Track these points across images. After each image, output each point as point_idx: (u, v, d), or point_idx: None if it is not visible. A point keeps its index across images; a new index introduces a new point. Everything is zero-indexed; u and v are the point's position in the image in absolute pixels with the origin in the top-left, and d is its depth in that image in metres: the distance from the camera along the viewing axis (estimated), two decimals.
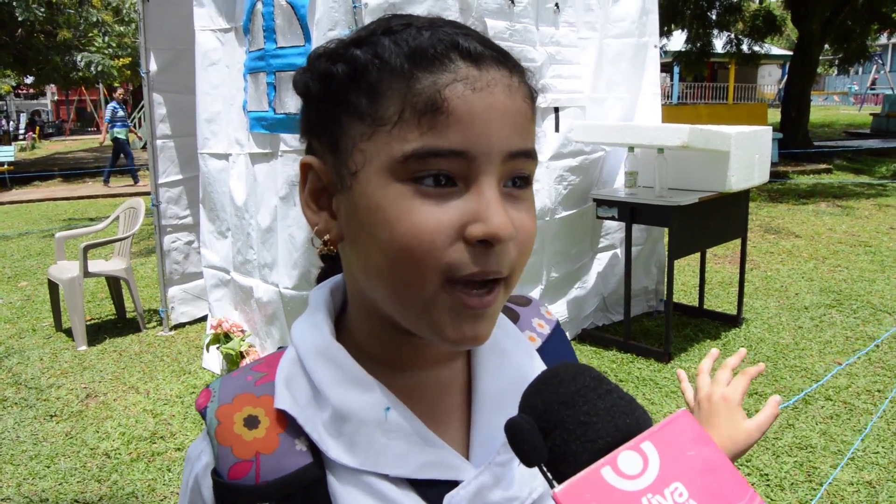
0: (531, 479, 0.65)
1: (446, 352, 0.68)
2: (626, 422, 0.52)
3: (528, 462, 0.52)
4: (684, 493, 0.48)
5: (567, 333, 4.45)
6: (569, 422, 0.52)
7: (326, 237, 0.64)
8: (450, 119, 0.56)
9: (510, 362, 0.71)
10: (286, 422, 0.63)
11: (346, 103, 0.60)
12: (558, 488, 0.49)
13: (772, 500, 3.02)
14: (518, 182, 0.60)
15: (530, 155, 0.60)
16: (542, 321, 0.81)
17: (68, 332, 5.30)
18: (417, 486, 0.62)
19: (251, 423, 0.63)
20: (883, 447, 3.40)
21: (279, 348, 0.72)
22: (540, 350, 0.76)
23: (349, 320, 0.69)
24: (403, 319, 0.61)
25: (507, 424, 0.53)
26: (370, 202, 0.58)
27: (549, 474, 0.52)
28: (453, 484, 0.63)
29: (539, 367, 0.72)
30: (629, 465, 0.49)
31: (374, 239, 0.58)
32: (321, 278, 0.74)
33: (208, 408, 0.65)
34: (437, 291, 0.57)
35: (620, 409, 0.53)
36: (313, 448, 0.62)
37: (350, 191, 0.60)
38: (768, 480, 3.16)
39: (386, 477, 0.62)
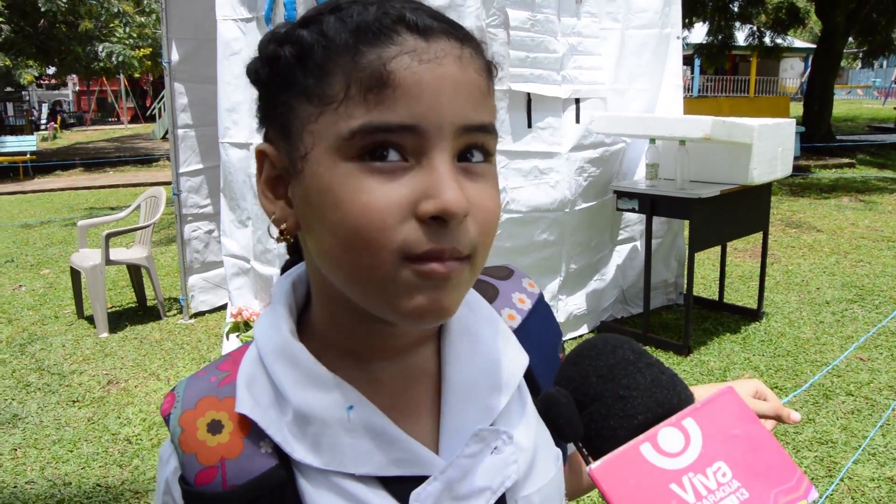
0: (503, 468, 0.63)
1: (413, 339, 0.65)
2: (668, 397, 0.50)
3: (563, 437, 0.51)
4: (728, 473, 0.46)
5: (585, 326, 4.43)
6: (607, 396, 0.51)
7: (283, 226, 0.61)
8: (396, 92, 0.53)
9: (482, 348, 0.67)
10: (250, 425, 0.61)
11: (294, 85, 0.58)
12: (595, 465, 0.47)
13: None
14: (475, 156, 0.58)
15: (487, 129, 0.58)
16: (523, 295, 0.77)
17: (90, 320, 5.36)
18: (386, 483, 0.61)
19: (214, 427, 0.62)
20: None
21: (244, 342, 0.70)
22: (519, 328, 0.73)
23: (313, 312, 0.66)
24: (364, 302, 0.58)
25: (541, 397, 0.52)
26: (320, 184, 0.56)
27: (584, 450, 0.51)
28: (422, 479, 0.61)
29: (516, 350, 0.69)
30: (670, 442, 0.47)
31: (326, 222, 0.56)
32: (284, 270, 0.71)
33: (171, 414, 0.63)
34: (394, 270, 0.54)
35: (662, 383, 0.51)
36: (279, 450, 0.61)
37: (301, 175, 0.58)
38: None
39: (353, 476, 0.60)
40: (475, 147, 0.57)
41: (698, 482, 0.46)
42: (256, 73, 0.61)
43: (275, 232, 0.62)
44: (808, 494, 0.46)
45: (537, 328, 0.75)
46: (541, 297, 0.78)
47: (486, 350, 0.67)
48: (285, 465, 0.61)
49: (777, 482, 0.46)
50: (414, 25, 0.55)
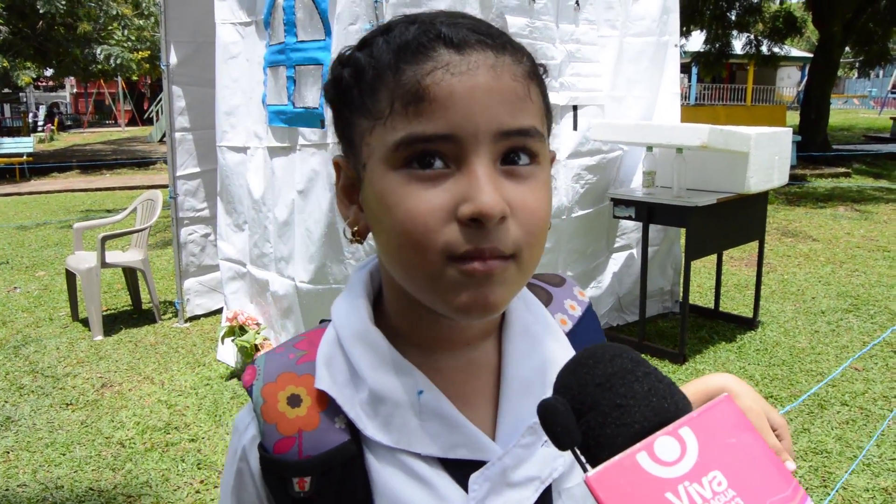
0: (552, 460, 0.68)
1: (475, 334, 0.71)
2: (665, 406, 0.51)
3: (560, 445, 0.52)
4: (723, 483, 0.46)
5: None
6: (604, 404, 0.51)
7: (355, 228, 0.68)
8: (433, 105, 0.58)
9: (539, 347, 0.72)
10: (326, 401, 0.67)
11: (353, 103, 0.64)
12: (591, 473, 0.47)
13: None
14: (521, 159, 0.61)
15: (527, 132, 0.61)
16: (574, 303, 0.83)
17: (85, 322, 5.34)
18: (446, 464, 0.66)
19: (294, 401, 0.67)
20: None
21: (321, 321, 0.75)
22: (570, 333, 0.78)
23: (385, 303, 0.72)
24: (419, 297, 0.63)
25: (539, 406, 0.53)
26: (375, 191, 0.62)
27: (582, 458, 0.52)
28: (480, 464, 0.66)
29: (568, 352, 0.73)
30: (666, 451, 0.47)
31: (382, 225, 0.62)
32: None
33: (254, 385, 0.68)
34: (441, 269, 0.59)
35: (659, 392, 0.51)
36: (351, 426, 0.66)
37: (363, 183, 0.64)
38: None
39: (418, 455, 0.65)
40: (519, 150, 0.61)
41: (693, 491, 0.46)
42: (327, 92, 0.69)
43: (349, 234, 0.70)
44: None
45: (585, 334, 0.80)
46: (590, 306, 0.84)
47: (543, 350, 0.72)
48: (356, 441, 0.66)
49: (772, 492, 0.46)
50: (449, 41, 0.60)
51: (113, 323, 5.42)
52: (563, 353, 0.73)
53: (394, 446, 0.65)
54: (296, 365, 0.69)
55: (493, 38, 0.62)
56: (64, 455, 3.51)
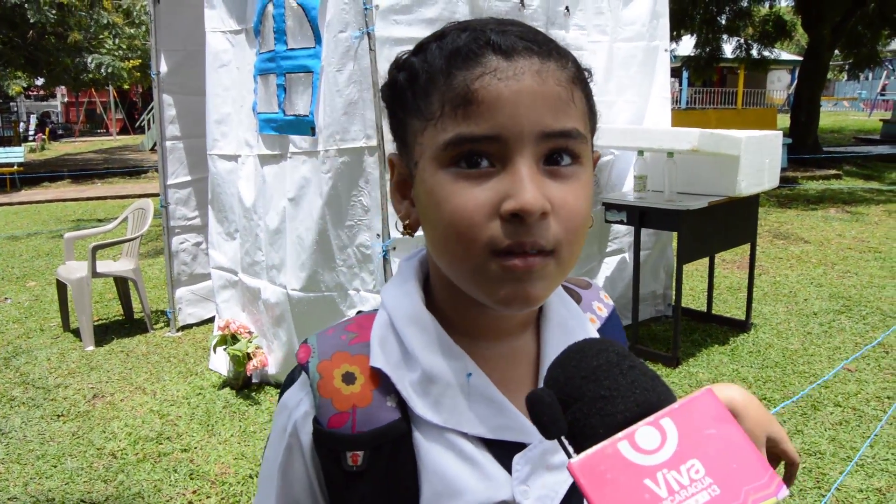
0: None
1: (516, 325, 0.75)
2: (647, 398, 0.53)
3: (547, 434, 0.55)
4: (701, 471, 0.48)
5: None
6: (589, 396, 0.54)
7: (407, 222, 0.73)
8: (480, 108, 0.62)
9: (574, 339, 0.74)
10: (379, 380, 0.70)
11: (407, 104, 0.69)
12: (574, 460, 0.50)
13: None
14: (564, 160, 0.65)
15: (570, 134, 0.64)
16: (601, 304, 0.88)
17: (76, 333, 5.32)
18: (490, 445, 0.70)
19: (348, 378, 0.71)
20: (893, 454, 3.37)
21: (374, 310, 0.78)
22: (599, 331, 0.83)
23: (433, 292, 0.76)
24: (464, 288, 0.68)
25: (527, 397, 0.56)
26: (426, 188, 0.67)
27: (568, 447, 0.54)
28: (521, 446, 0.70)
29: None
30: (647, 440, 0.49)
31: (431, 220, 0.67)
32: None
33: (310, 362, 0.72)
34: (485, 261, 0.63)
35: (642, 385, 0.54)
36: (401, 406, 0.70)
37: (416, 179, 0.69)
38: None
39: (465, 435, 0.69)
40: (562, 151, 0.65)
41: (672, 478, 0.47)
42: (384, 93, 0.73)
43: (400, 227, 0.75)
44: (779, 492, 0.47)
45: (611, 334, 0.84)
46: (614, 309, 0.89)
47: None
48: (405, 420, 0.69)
49: (749, 480, 0.48)
50: (498, 47, 0.64)
51: (104, 333, 5.39)
52: None
53: (443, 425, 0.69)
54: (349, 345, 0.73)
55: (540, 45, 0.65)
56: (55, 467, 3.49)
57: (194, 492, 3.23)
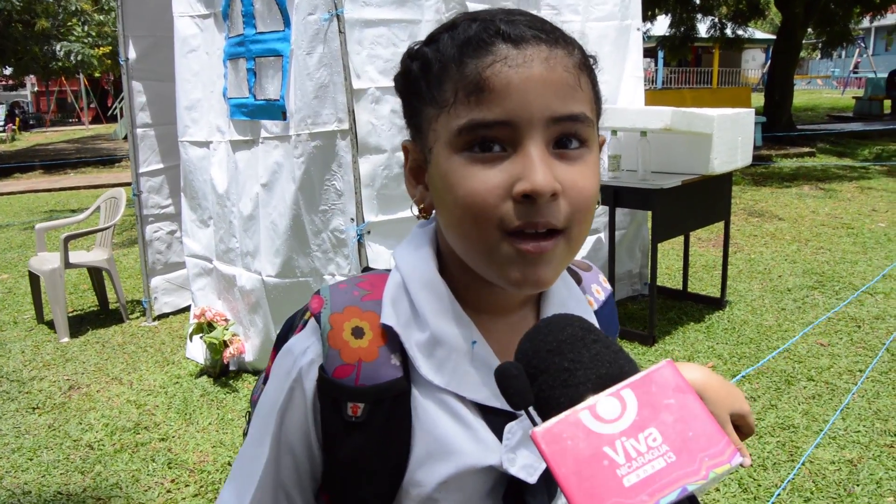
0: None
1: (519, 302, 0.78)
2: (609, 370, 0.56)
3: (514, 405, 0.57)
4: (658, 438, 0.50)
5: None
6: (554, 368, 0.56)
7: (422, 205, 0.77)
8: (492, 94, 0.65)
9: None
10: (386, 338, 0.73)
11: (421, 93, 0.71)
12: (538, 428, 0.51)
13: (754, 479, 3.04)
14: (572, 143, 0.68)
15: (577, 118, 0.68)
16: (599, 287, 0.91)
17: (50, 325, 5.26)
18: (485, 411, 0.73)
19: (357, 333, 0.73)
20: (864, 426, 3.43)
21: (385, 270, 0.80)
22: (595, 313, 0.86)
23: (444, 264, 0.78)
24: (476, 268, 0.71)
25: (496, 370, 0.58)
26: (440, 171, 0.70)
27: (535, 417, 0.56)
28: (513, 416, 0.73)
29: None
30: (608, 410, 0.51)
31: (446, 202, 0.69)
32: None
33: (322, 313, 0.74)
34: (498, 242, 0.67)
35: (605, 358, 0.57)
36: (405, 365, 0.73)
37: (430, 164, 0.72)
38: (751, 460, 3.18)
39: (462, 399, 0.72)
40: (570, 135, 0.67)
41: (630, 446, 0.50)
42: (397, 83, 0.76)
43: (415, 210, 0.78)
44: (732, 459, 0.49)
45: (607, 316, 0.89)
46: (611, 293, 0.92)
47: None
48: (406, 378, 0.72)
49: (704, 448, 0.50)
50: (508, 36, 0.66)
51: (79, 324, 5.34)
52: None
53: (444, 387, 0.72)
54: (361, 301, 0.75)
55: (547, 34, 0.68)
56: (31, 460, 3.46)
57: (172, 481, 3.22)
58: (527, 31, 0.67)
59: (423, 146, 0.73)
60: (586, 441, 0.50)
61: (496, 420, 0.73)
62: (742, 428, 0.89)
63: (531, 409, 0.56)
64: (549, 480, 0.74)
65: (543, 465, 0.72)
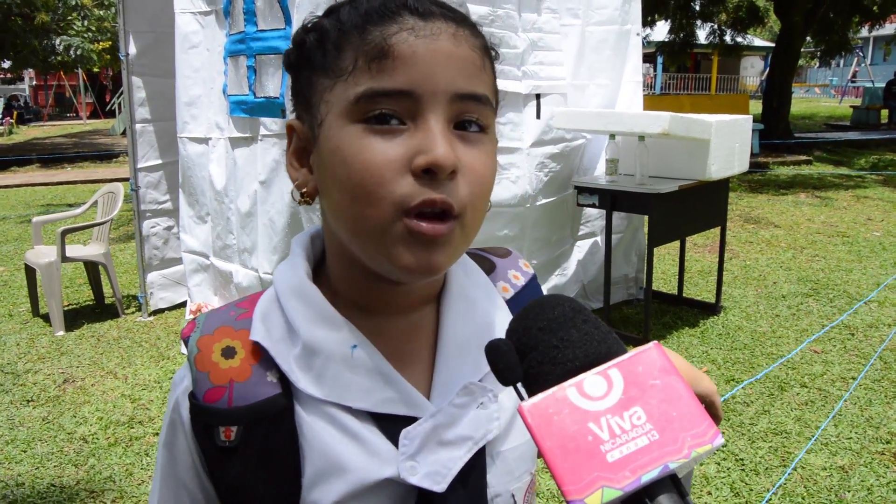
0: (486, 422, 0.70)
1: (416, 299, 0.73)
2: (598, 349, 0.56)
3: (503, 381, 0.57)
4: (642, 417, 0.51)
5: None
6: (543, 346, 0.56)
7: (304, 190, 0.70)
8: (395, 63, 0.62)
9: (477, 311, 0.76)
10: (260, 355, 0.69)
11: (315, 63, 0.67)
12: (525, 403, 0.52)
13: (746, 484, 3.05)
14: (471, 126, 0.65)
15: (480, 99, 0.65)
16: (517, 273, 0.86)
17: (45, 318, 5.25)
18: (378, 419, 0.67)
19: (228, 353, 0.69)
20: (856, 433, 3.45)
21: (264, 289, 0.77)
22: (512, 299, 0.82)
23: (328, 266, 0.74)
24: (364, 255, 0.66)
25: (487, 346, 0.58)
26: (331, 145, 0.64)
27: (523, 392, 0.56)
28: (412, 420, 0.67)
29: (506, 316, 0.77)
30: (594, 387, 0.52)
31: (336, 179, 0.64)
32: None
33: (191, 337, 0.71)
34: (392, 222, 0.62)
35: (594, 337, 0.57)
36: (283, 381, 0.68)
37: (318, 140, 0.67)
38: (743, 465, 3.19)
39: (349, 409, 0.67)
40: (470, 116, 0.65)
41: (614, 423, 0.50)
42: (288, 57, 0.72)
43: (297, 195, 0.71)
44: (714, 440, 0.50)
45: (528, 300, 0.81)
46: (534, 276, 0.88)
47: (480, 313, 0.75)
48: (287, 395, 0.67)
49: (687, 427, 0.51)
50: (414, 9, 0.64)
51: (75, 318, 5.34)
52: (502, 316, 0.77)
53: (324, 399, 0.67)
54: (235, 320, 0.72)
55: (454, 13, 0.66)
56: (25, 452, 3.46)
57: None
58: (434, 7, 0.65)
59: (313, 121, 0.67)
60: (572, 417, 0.51)
61: (392, 427, 0.67)
62: (709, 409, 0.88)
63: (519, 385, 0.57)
64: (472, 489, 0.69)
65: (454, 472, 0.67)
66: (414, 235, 0.62)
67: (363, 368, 0.67)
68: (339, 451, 0.66)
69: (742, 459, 3.24)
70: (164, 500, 0.72)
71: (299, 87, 0.70)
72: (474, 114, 0.65)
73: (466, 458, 0.68)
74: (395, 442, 0.67)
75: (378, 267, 0.66)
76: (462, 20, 0.66)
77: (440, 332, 0.73)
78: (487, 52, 0.68)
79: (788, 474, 3.11)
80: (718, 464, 3.20)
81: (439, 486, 0.66)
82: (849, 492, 2.99)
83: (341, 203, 0.64)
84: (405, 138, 0.62)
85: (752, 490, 3.01)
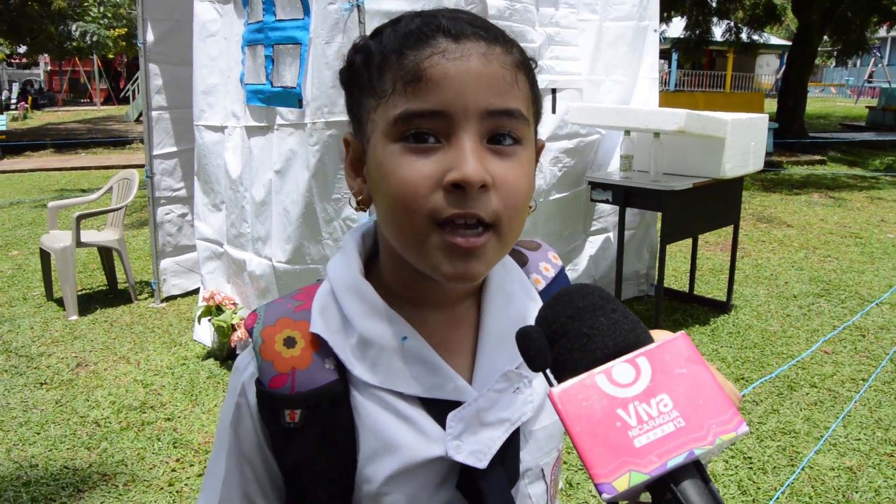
0: (522, 405, 0.76)
1: (458, 294, 0.79)
2: (626, 338, 0.58)
3: (533, 367, 0.59)
4: (669, 404, 0.52)
5: None
6: (573, 333, 0.58)
7: (360, 198, 0.77)
8: (428, 85, 0.66)
9: (514, 304, 0.81)
10: (319, 344, 0.75)
11: (362, 84, 0.73)
12: (555, 388, 0.54)
13: (754, 482, 3.06)
14: (505, 140, 0.69)
15: (512, 114, 0.69)
16: (548, 265, 0.91)
17: (59, 302, 5.30)
18: (426, 403, 0.74)
19: (289, 342, 0.75)
20: (865, 434, 3.45)
21: (316, 280, 0.83)
22: (544, 291, 0.87)
23: (380, 262, 0.81)
24: (409, 258, 0.71)
25: (518, 332, 0.61)
26: (375, 161, 0.70)
27: (552, 378, 0.59)
28: (457, 405, 0.73)
29: (538, 307, 0.79)
30: (622, 375, 0.54)
31: (380, 192, 0.70)
32: None
33: (255, 328, 0.77)
34: (429, 233, 0.67)
35: (622, 326, 0.59)
36: (340, 368, 0.74)
37: (368, 155, 0.73)
38: (751, 464, 3.20)
39: (400, 395, 0.74)
40: (503, 130, 0.69)
41: (642, 409, 0.52)
42: (342, 76, 0.77)
43: (353, 203, 0.79)
44: (739, 429, 0.52)
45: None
46: (562, 268, 0.92)
47: (517, 306, 0.81)
48: (343, 381, 0.74)
49: (713, 416, 0.52)
50: (448, 31, 0.68)
51: (88, 303, 5.38)
52: (536, 308, 0.79)
53: (379, 385, 0.73)
54: (293, 312, 0.77)
55: (487, 31, 0.70)
56: (38, 434, 3.50)
57: (177, 460, 3.26)
58: (467, 28, 0.69)
59: (363, 137, 0.73)
60: (600, 403, 0.53)
61: (439, 411, 0.74)
62: None
63: (548, 371, 0.59)
64: (508, 465, 0.76)
65: (494, 450, 0.73)
66: (450, 247, 0.67)
67: (413, 358, 0.74)
68: (391, 431, 0.73)
69: (750, 458, 3.24)
70: (229, 472, 0.78)
71: (351, 104, 0.76)
72: (507, 128, 0.69)
73: (504, 437, 0.74)
74: (441, 424, 0.73)
75: (423, 270, 0.71)
76: (494, 38, 0.70)
77: (481, 323, 0.79)
78: (521, 66, 0.71)
79: (797, 474, 3.11)
80: (726, 461, 3.21)
81: (481, 462, 0.72)
82: (856, 493, 2.99)
83: (386, 213, 0.71)
84: (439, 156, 0.67)
85: (759, 489, 3.02)
